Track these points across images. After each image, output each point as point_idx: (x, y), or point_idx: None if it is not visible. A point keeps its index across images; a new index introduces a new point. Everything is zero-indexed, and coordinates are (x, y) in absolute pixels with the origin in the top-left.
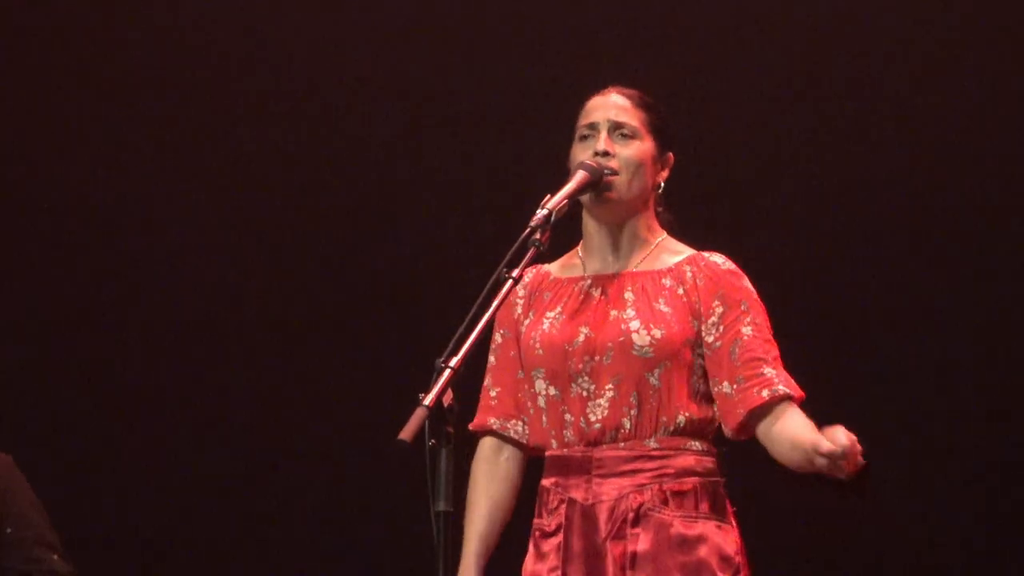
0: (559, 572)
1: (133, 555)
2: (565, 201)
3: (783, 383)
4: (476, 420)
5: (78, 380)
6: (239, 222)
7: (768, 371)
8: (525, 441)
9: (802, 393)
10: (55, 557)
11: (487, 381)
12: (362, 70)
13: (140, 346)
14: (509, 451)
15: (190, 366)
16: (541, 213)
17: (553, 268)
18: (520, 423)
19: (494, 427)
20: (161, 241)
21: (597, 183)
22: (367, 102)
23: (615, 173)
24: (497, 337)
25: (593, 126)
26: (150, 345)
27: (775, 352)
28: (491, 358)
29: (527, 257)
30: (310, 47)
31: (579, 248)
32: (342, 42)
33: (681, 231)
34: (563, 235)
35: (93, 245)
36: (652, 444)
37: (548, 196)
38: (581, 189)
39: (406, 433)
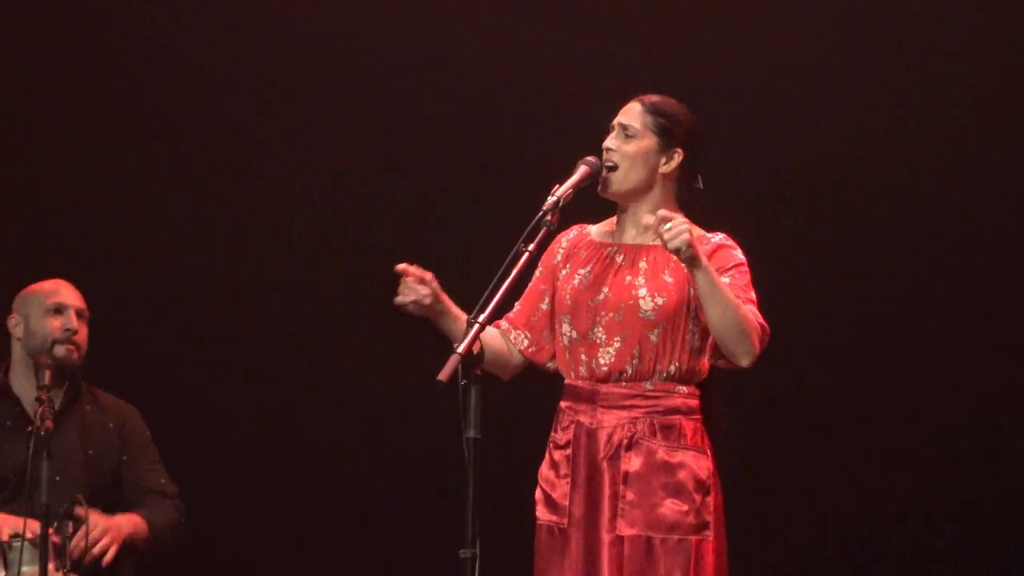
0: (569, 479)
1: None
2: (569, 190)
3: (749, 311)
4: (498, 320)
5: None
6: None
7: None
8: (520, 349)
9: (766, 325)
10: (162, 481)
11: (520, 298)
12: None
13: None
14: (511, 347)
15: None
16: (551, 200)
17: (593, 230)
18: (523, 336)
19: (502, 327)
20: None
21: (596, 175)
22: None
23: (614, 167)
24: (536, 272)
25: (612, 127)
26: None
27: (749, 295)
28: (529, 284)
29: (539, 235)
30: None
31: (616, 216)
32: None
33: (701, 215)
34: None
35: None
36: (648, 386)
37: (557, 185)
38: (582, 180)
39: (443, 375)
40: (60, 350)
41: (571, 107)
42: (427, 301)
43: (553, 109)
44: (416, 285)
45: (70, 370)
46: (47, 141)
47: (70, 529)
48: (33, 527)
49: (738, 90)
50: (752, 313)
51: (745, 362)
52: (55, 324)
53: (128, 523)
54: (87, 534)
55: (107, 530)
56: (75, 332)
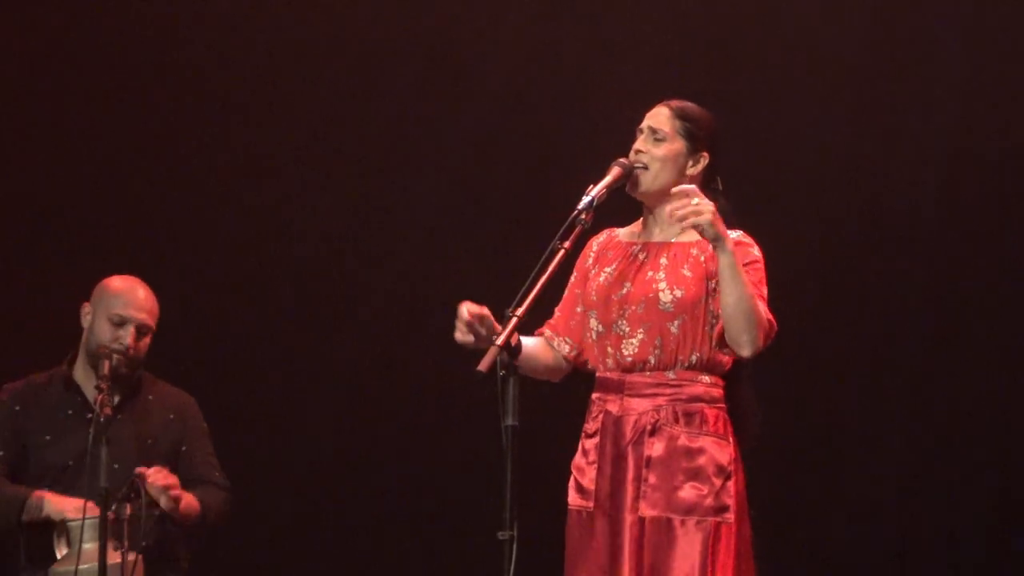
0: (596, 465)
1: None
2: (603, 191)
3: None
4: (541, 328)
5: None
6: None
7: None
8: (564, 355)
9: (774, 322)
10: (216, 474)
11: (558, 306)
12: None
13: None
14: (556, 353)
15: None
16: (585, 200)
17: (621, 232)
18: (564, 342)
19: (546, 335)
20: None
21: (629, 175)
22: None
23: (645, 168)
24: (572, 277)
25: (640, 130)
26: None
27: (761, 292)
28: (566, 291)
29: (574, 233)
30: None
31: (642, 218)
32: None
33: (730, 213)
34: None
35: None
36: (671, 375)
37: (591, 186)
38: (616, 181)
39: (483, 365)
40: (113, 359)
41: (600, 112)
42: (485, 337)
43: (584, 115)
44: (476, 326)
45: (120, 378)
46: (119, 137)
47: (128, 511)
48: (93, 508)
49: (750, 93)
50: (763, 308)
51: (747, 351)
52: (113, 334)
53: (188, 498)
54: (143, 494)
55: (176, 483)
56: (127, 348)
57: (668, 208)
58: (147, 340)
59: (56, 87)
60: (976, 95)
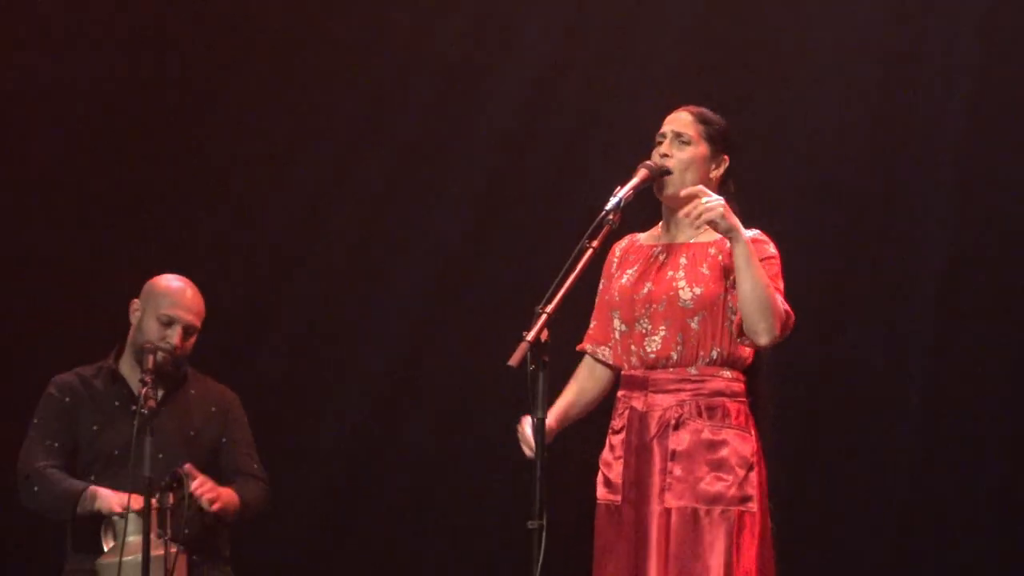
0: (622, 460)
1: None
2: (630, 192)
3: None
4: (581, 343)
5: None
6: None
7: None
8: (612, 362)
9: (791, 312)
10: (255, 466)
11: (592, 315)
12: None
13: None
14: (601, 367)
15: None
16: (612, 201)
17: (642, 236)
18: (607, 348)
19: (588, 350)
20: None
21: (655, 178)
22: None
23: (670, 171)
24: (600, 284)
25: (663, 135)
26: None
27: (778, 285)
28: (596, 299)
29: (602, 232)
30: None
31: (661, 222)
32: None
33: (740, 215)
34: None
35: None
36: (693, 371)
37: (618, 187)
38: (642, 183)
39: (513, 360)
40: (158, 355)
41: (623, 118)
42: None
43: (609, 121)
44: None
45: (165, 373)
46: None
47: (171, 501)
48: (137, 500)
49: (766, 99)
50: (779, 298)
51: (764, 340)
52: (160, 333)
53: (226, 492)
54: (186, 490)
55: (214, 487)
56: (174, 348)
57: (682, 212)
58: (193, 339)
59: (107, 87)
60: (989, 101)
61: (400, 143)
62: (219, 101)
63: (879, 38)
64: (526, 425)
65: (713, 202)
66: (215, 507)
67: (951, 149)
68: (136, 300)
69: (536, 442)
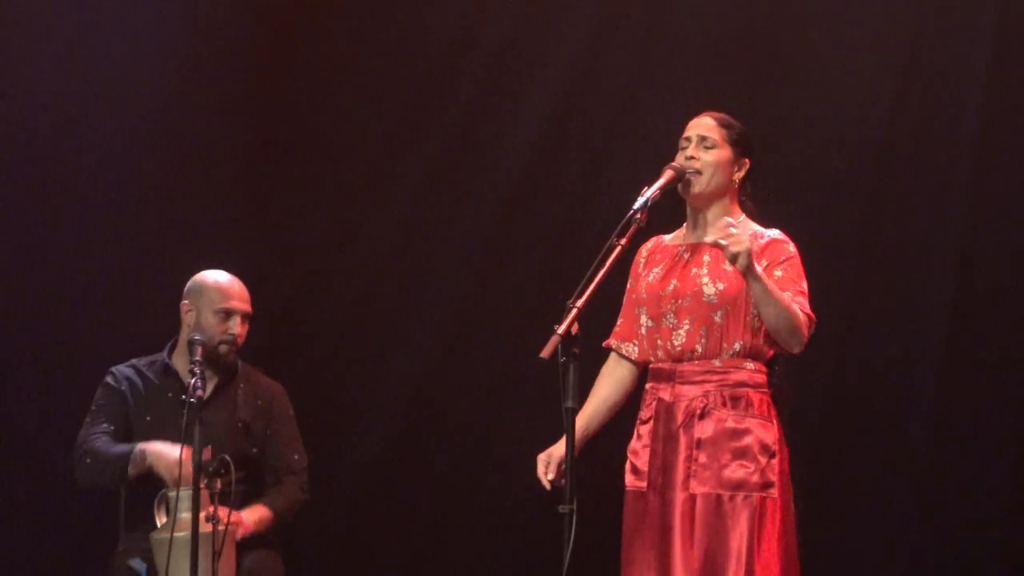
0: (649, 448)
1: None
2: (657, 192)
3: (798, 307)
4: (607, 340)
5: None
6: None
7: (786, 296)
8: (635, 358)
9: (813, 316)
10: (295, 457)
11: (620, 313)
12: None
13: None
14: (625, 364)
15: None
16: (640, 200)
17: (667, 237)
18: (631, 345)
19: (613, 346)
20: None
21: (681, 179)
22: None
23: (698, 172)
24: (628, 283)
25: (688, 139)
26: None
27: (800, 287)
28: (624, 298)
29: (630, 231)
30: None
31: (686, 223)
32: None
33: (759, 217)
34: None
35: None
36: (717, 363)
37: (646, 188)
38: (669, 183)
39: (545, 352)
40: (222, 348)
41: (648, 124)
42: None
43: (635, 126)
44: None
45: (222, 363)
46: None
47: (218, 485)
48: (186, 451)
49: (783, 103)
50: (800, 306)
51: (796, 350)
52: (221, 327)
53: (253, 520)
54: (232, 485)
55: (240, 523)
56: (237, 337)
57: (709, 239)
58: (247, 326)
59: (161, 84)
60: (1004, 100)
61: (436, 144)
62: (262, 102)
63: (895, 38)
64: (539, 463)
65: (742, 236)
66: (241, 535)
67: (966, 148)
68: (185, 301)
69: (566, 430)
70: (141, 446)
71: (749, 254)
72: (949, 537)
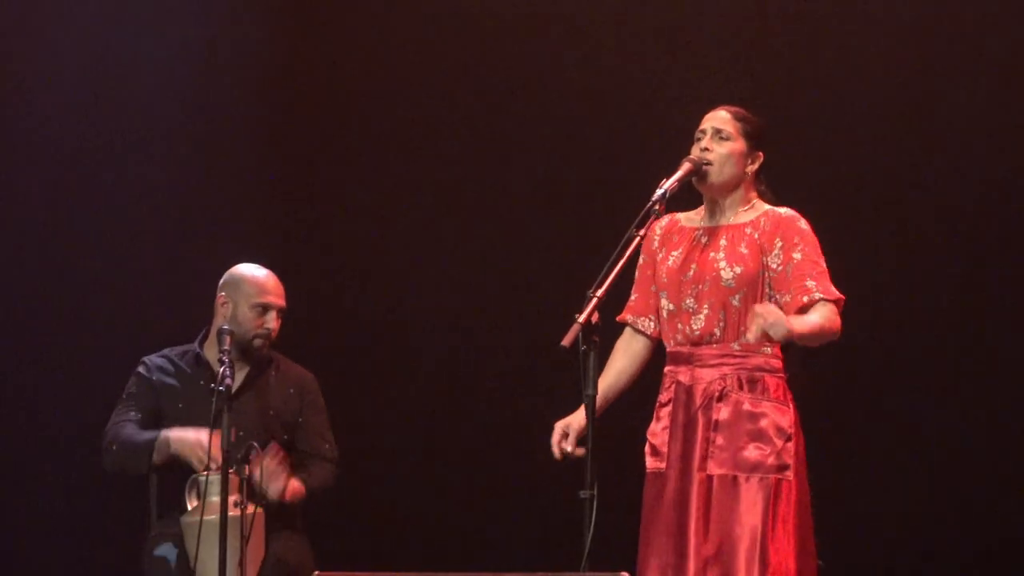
0: (668, 430)
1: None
2: (675, 184)
3: (821, 291)
4: (621, 314)
5: None
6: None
7: (810, 283)
8: (650, 333)
9: (840, 296)
10: (326, 446)
11: (633, 289)
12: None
13: None
14: (640, 338)
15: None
16: (658, 192)
17: (682, 218)
18: (648, 320)
19: (629, 320)
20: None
21: (697, 171)
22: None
23: (711, 164)
24: (640, 260)
25: (703, 131)
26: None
27: (820, 269)
28: (637, 273)
29: (649, 222)
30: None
31: (703, 205)
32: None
33: (777, 203)
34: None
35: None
36: (735, 347)
37: (664, 179)
38: (686, 175)
39: (566, 341)
40: (257, 342)
41: (665, 119)
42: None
43: (653, 121)
44: (563, 444)
45: (255, 355)
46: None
47: (247, 472)
48: (207, 435)
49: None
50: (825, 292)
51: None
52: (258, 322)
53: (295, 485)
54: (261, 473)
55: (284, 475)
56: (272, 332)
57: (750, 335)
58: (281, 320)
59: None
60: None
61: (463, 136)
62: (303, 100)
63: (917, 33)
64: (557, 430)
65: (776, 321)
66: (282, 497)
67: (982, 140)
68: (222, 294)
69: (587, 417)
70: (165, 433)
71: (783, 323)
72: (966, 518)
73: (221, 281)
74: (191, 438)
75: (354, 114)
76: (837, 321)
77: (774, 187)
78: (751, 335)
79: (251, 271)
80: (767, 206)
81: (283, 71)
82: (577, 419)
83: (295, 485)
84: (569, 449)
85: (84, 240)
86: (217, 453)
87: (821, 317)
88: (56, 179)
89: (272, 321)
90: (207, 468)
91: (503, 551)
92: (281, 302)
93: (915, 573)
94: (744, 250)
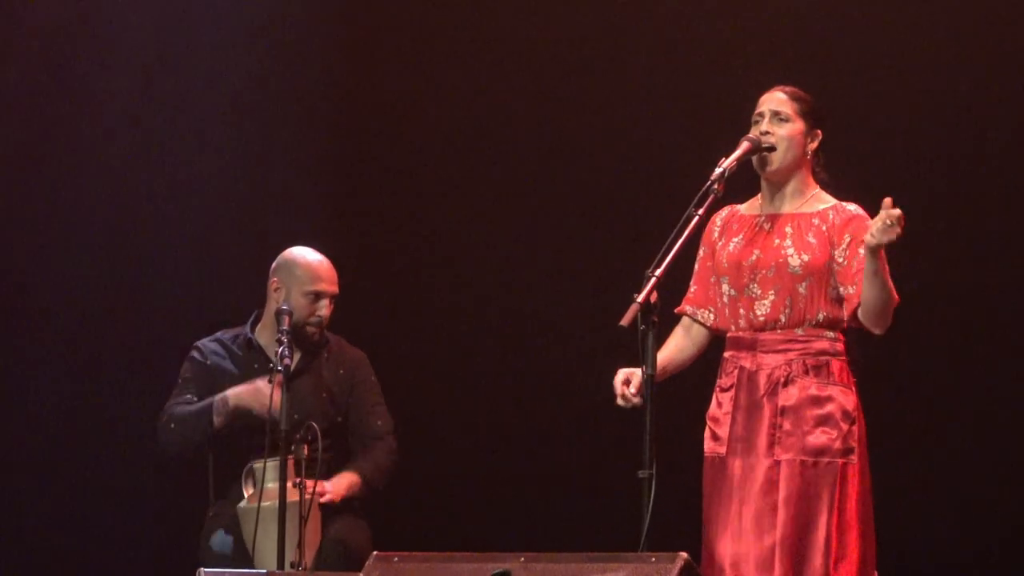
0: (730, 415)
1: None
2: (734, 163)
3: None
4: (680, 306)
5: None
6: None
7: None
8: (709, 324)
9: (897, 297)
10: (379, 422)
11: (692, 280)
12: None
13: None
14: (697, 328)
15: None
16: (717, 171)
17: (742, 207)
18: (707, 311)
19: (688, 311)
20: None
21: (757, 151)
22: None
23: (773, 147)
24: (700, 252)
25: (761, 114)
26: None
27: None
28: (696, 265)
29: (708, 201)
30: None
31: (760, 194)
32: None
33: (833, 187)
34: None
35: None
36: (799, 332)
37: (723, 159)
38: (745, 155)
39: (625, 320)
40: (309, 329)
41: (723, 99)
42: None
43: (712, 102)
44: (628, 392)
45: (307, 340)
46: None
47: (305, 453)
48: (267, 391)
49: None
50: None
51: (879, 331)
52: (310, 309)
53: (343, 482)
54: (319, 452)
55: (328, 491)
56: (324, 319)
57: (872, 240)
58: (333, 306)
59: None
60: None
61: (522, 125)
62: (360, 95)
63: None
64: (620, 374)
65: (892, 227)
66: (331, 500)
67: None
68: (274, 279)
69: (646, 397)
70: (222, 394)
71: (884, 243)
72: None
73: (274, 265)
74: (249, 388)
75: (410, 94)
76: (893, 305)
77: (833, 170)
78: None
79: (304, 257)
80: (832, 199)
81: (345, 65)
82: (639, 371)
83: (349, 479)
84: (633, 391)
85: (136, 229)
86: (278, 398)
87: (892, 287)
88: (105, 167)
89: (324, 309)
90: (270, 414)
91: (561, 532)
92: (334, 289)
93: (976, 553)
94: (812, 240)
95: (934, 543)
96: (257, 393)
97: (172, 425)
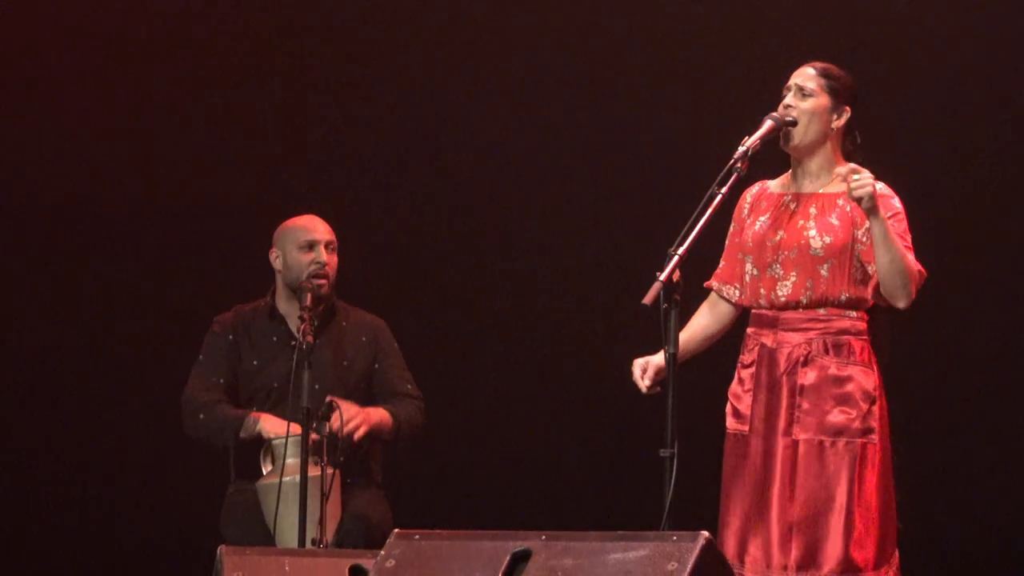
0: (751, 392)
1: None
2: (757, 141)
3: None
4: (708, 280)
5: None
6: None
7: None
8: (735, 301)
9: (923, 270)
10: (408, 387)
11: (722, 256)
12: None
13: None
14: (724, 304)
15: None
16: (741, 149)
17: (772, 184)
18: (733, 288)
19: (715, 287)
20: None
21: (779, 128)
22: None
23: (795, 122)
24: (732, 227)
25: (788, 88)
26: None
27: (907, 242)
28: (727, 241)
29: (731, 179)
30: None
31: (790, 171)
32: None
33: (866, 164)
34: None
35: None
36: (821, 312)
37: (746, 137)
38: (768, 133)
39: (647, 299)
40: (315, 280)
41: (752, 75)
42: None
43: (739, 78)
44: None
45: (322, 298)
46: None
47: (327, 429)
48: (295, 427)
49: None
50: (913, 261)
51: (902, 304)
52: (308, 259)
53: (376, 413)
54: (341, 417)
55: (358, 414)
56: (325, 264)
57: (852, 193)
58: (335, 258)
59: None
60: None
61: (550, 108)
62: (393, 90)
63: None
64: (636, 366)
65: (864, 179)
66: (360, 433)
67: None
68: (273, 249)
69: (668, 374)
70: (254, 415)
71: (872, 195)
72: None
73: (272, 241)
74: (280, 424)
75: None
76: (915, 275)
77: (865, 146)
78: (842, 169)
79: (291, 219)
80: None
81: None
82: (655, 358)
83: (381, 413)
84: (647, 383)
85: (155, 211)
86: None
87: (904, 250)
88: (125, 152)
89: (322, 255)
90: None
91: (583, 510)
92: (327, 236)
93: (1000, 533)
94: (835, 221)
95: (959, 523)
96: (284, 430)
97: (201, 416)
